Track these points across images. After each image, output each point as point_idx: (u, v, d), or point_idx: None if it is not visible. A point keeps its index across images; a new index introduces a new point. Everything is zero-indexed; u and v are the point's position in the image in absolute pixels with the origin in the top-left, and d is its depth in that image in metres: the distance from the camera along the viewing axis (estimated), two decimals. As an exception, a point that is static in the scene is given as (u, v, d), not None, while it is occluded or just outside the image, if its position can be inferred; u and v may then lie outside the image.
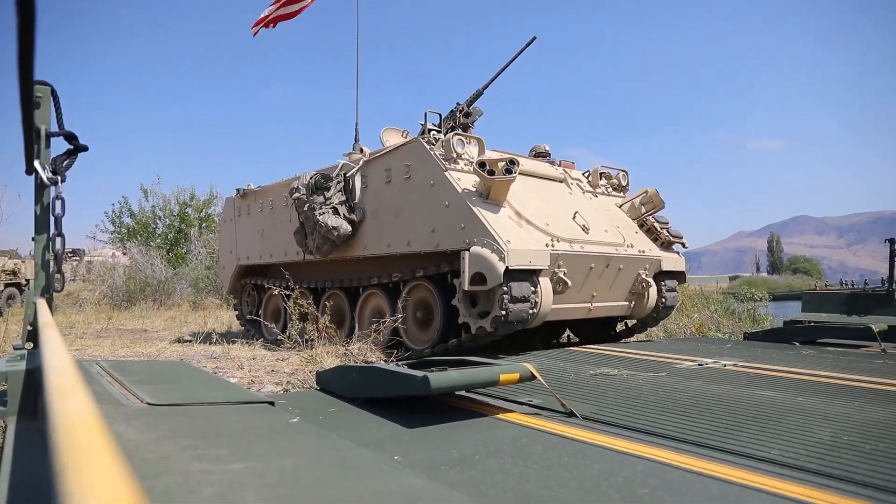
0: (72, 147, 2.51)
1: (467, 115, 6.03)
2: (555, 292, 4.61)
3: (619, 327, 6.49)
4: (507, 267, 4.14)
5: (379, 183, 5.32)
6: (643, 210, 5.91)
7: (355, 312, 5.75)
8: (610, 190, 6.19)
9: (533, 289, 4.40)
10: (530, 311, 4.40)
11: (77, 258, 22.15)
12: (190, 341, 6.83)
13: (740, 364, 3.91)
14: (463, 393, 2.85)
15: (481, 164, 4.51)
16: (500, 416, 2.50)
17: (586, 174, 6.10)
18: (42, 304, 2.31)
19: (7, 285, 15.54)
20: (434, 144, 4.90)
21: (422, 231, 4.83)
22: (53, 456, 0.51)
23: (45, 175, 2.38)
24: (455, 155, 4.79)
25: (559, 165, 5.91)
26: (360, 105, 7.26)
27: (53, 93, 2.42)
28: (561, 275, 4.63)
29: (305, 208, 5.49)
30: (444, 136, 4.96)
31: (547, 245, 4.58)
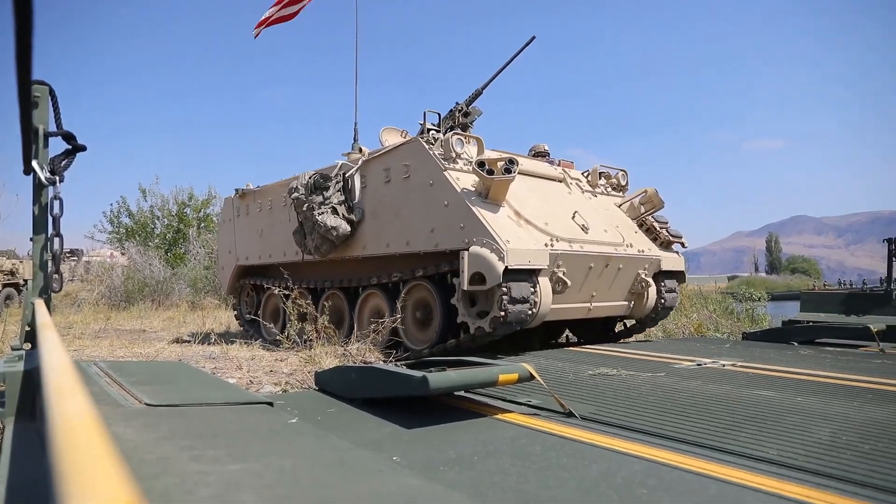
0: (70, 147, 2.51)
1: (466, 114, 6.03)
2: (554, 292, 4.61)
3: (618, 328, 6.50)
4: (506, 266, 4.14)
5: (378, 183, 5.32)
6: (642, 210, 5.91)
7: (354, 312, 5.75)
8: (609, 189, 6.19)
9: (532, 289, 4.40)
10: (529, 312, 4.40)
11: (75, 258, 22.14)
12: (188, 341, 6.82)
13: (739, 364, 3.92)
14: (462, 393, 2.85)
15: (480, 164, 4.51)
16: (499, 416, 2.50)
17: (585, 174, 6.11)
18: (40, 304, 2.31)
19: (5, 285, 15.52)
20: (433, 144, 4.90)
21: (421, 231, 4.83)
22: (52, 457, 0.51)
23: (43, 175, 2.38)
24: (454, 154, 4.79)
25: (558, 165, 5.91)
26: (359, 105, 7.26)
27: (52, 92, 2.42)
28: (560, 274, 4.63)
29: (304, 208, 5.49)
30: (444, 135, 4.96)
31: (546, 245, 4.58)
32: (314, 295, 6.20)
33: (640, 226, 5.87)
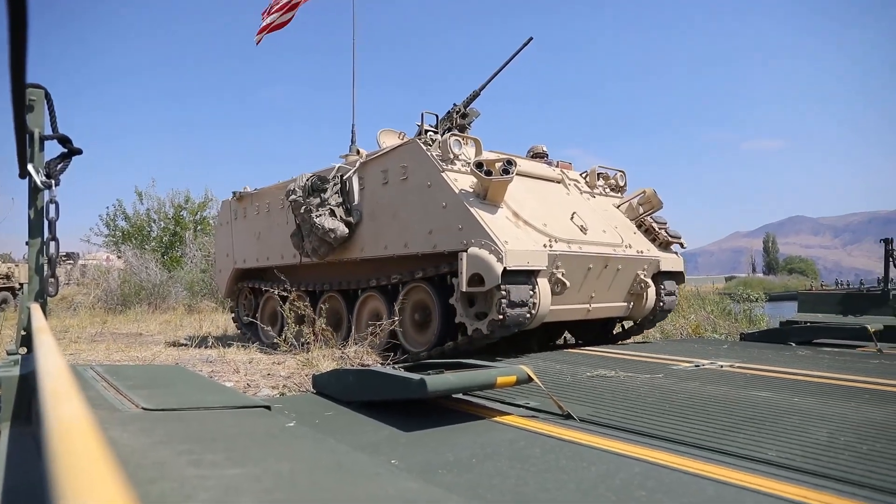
0: (66, 150, 2.50)
1: (464, 115, 6.03)
2: (553, 293, 4.60)
3: (616, 329, 6.50)
4: (504, 268, 4.14)
5: (376, 184, 5.32)
6: (641, 210, 5.91)
7: (352, 315, 5.74)
8: (607, 190, 6.19)
9: (531, 290, 4.40)
10: (528, 315, 4.39)
11: (71, 262, 22.06)
12: (185, 345, 6.80)
13: (737, 365, 3.92)
14: (460, 396, 2.84)
15: (478, 165, 4.50)
16: (497, 418, 2.50)
17: (584, 174, 6.11)
18: (36, 308, 2.30)
19: (0, 289, 15.47)
20: (431, 145, 4.89)
21: (419, 232, 4.83)
22: (48, 462, 0.51)
23: (38, 179, 2.37)
24: (452, 156, 4.79)
25: (556, 166, 5.92)
26: (357, 106, 7.27)
27: (47, 96, 2.41)
28: (559, 275, 4.63)
29: (302, 210, 5.48)
30: (441, 136, 4.96)
31: (545, 245, 4.58)
32: (312, 297, 6.19)
33: (639, 226, 5.87)
